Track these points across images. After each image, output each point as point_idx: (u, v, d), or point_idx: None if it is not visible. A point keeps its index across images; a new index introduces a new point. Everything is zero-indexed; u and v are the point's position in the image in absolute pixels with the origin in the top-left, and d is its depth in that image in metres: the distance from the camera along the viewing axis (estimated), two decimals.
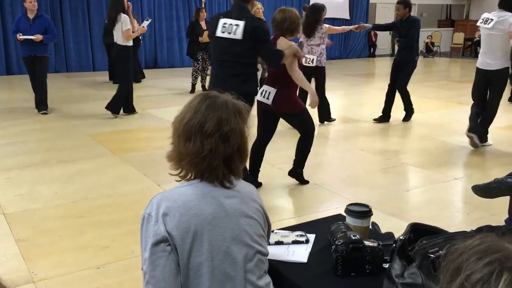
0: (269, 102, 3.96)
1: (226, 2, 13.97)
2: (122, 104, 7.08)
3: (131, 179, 4.48)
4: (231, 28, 3.61)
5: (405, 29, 6.67)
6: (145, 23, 7.76)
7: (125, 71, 6.93)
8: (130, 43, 6.87)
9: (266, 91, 3.99)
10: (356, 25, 7.00)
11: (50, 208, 3.78)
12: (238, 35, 3.57)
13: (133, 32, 6.84)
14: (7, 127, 6.36)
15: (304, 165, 4.33)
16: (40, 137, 5.95)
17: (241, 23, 3.57)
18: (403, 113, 7.07)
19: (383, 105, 6.99)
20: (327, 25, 6.48)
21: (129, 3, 6.95)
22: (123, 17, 6.72)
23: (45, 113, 7.10)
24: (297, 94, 4.24)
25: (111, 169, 4.76)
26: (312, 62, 6.34)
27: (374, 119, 7.01)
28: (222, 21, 3.67)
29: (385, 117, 6.99)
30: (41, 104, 7.15)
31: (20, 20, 6.93)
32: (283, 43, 3.84)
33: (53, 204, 3.85)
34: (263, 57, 3.83)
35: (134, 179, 4.47)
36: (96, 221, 3.56)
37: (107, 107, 6.99)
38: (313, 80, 6.37)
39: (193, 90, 9.22)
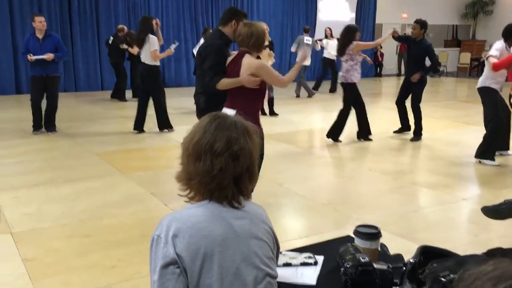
0: None
1: None
2: (167, 118, 7.33)
3: (138, 198, 4.49)
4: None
5: (417, 49, 6.81)
6: (173, 46, 7.89)
7: (157, 89, 7.17)
8: (158, 63, 7.12)
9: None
10: (391, 32, 7.05)
11: (57, 227, 3.78)
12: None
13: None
14: (16, 146, 6.40)
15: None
16: (48, 156, 5.98)
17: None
18: (410, 133, 7.08)
19: (390, 123, 7.11)
20: (354, 42, 6.57)
21: (157, 19, 7.18)
22: (151, 38, 7.01)
23: (55, 132, 7.14)
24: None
25: (118, 188, 4.77)
26: (340, 79, 6.69)
27: (394, 131, 7.28)
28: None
29: (404, 127, 7.22)
30: (51, 125, 7.15)
31: (29, 40, 6.84)
32: (247, 63, 3.48)
33: (60, 223, 3.86)
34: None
35: (141, 198, 4.47)
36: (102, 241, 3.55)
37: (160, 127, 7.31)
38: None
39: None
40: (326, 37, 12.62)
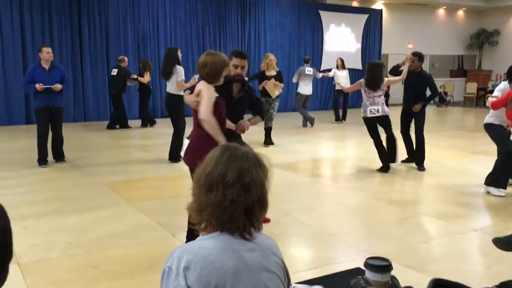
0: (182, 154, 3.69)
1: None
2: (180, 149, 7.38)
3: (146, 228, 4.47)
4: None
5: (417, 81, 6.97)
6: (196, 76, 8.08)
7: (180, 119, 7.29)
8: (182, 93, 7.23)
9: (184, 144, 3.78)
10: (408, 59, 7.07)
11: (64, 258, 3.77)
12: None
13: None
14: (25, 176, 6.44)
15: None
16: (56, 186, 6.01)
17: None
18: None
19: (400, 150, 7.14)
20: (386, 78, 6.96)
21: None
22: (179, 68, 7.23)
23: (64, 162, 7.17)
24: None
25: (125, 218, 4.76)
26: (378, 112, 6.81)
27: (402, 161, 7.27)
28: None
29: (411, 157, 7.28)
30: (60, 155, 7.18)
31: (34, 70, 6.77)
32: (199, 88, 3.52)
33: (67, 254, 3.84)
34: None
35: (149, 229, 4.46)
36: (110, 271, 3.53)
37: (171, 159, 7.34)
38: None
39: None
40: (337, 67, 12.67)
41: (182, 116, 7.35)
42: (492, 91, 17.11)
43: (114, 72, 10.98)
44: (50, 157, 7.11)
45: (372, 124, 6.91)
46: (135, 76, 10.87)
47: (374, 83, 6.72)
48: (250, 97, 4.21)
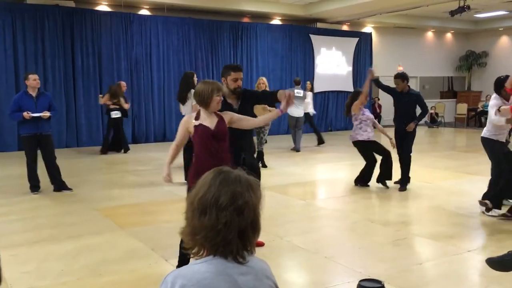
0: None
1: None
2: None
3: (138, 254, 4.43)
4: None
5: (406, 100, 7.02)
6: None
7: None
8: None
9: None
10: (368, 76, 7.25)
11: (56, 286, 3.72)
12: None
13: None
14: (17, 203, 6.39)
15: None
16: (49, 213, 5.96)
17: None
18: (415, 182, 7.12)
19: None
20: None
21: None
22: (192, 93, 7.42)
23: (71, 190, 7.00)
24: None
25: (118, 244, 4.72)
26: (350, 137, 7.42)
27: (395, 182, 7.28)
28: None
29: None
30: (62, 184, 6.99)
31: (21, 98, 6.62)
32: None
33: (59, 281, 3.79)
34: None
35: (141, 254, 4.42)
36: None
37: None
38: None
39: None
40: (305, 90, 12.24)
41: None
42: (482, 112, 17.38)
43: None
44: (43, 184, 7.05)
45: (364, 148, 7.41)
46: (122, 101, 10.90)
47: (347, 108, 7.41)
48: (251, 97, 4.54)
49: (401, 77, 6.99)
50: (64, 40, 12.06)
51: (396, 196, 6.80)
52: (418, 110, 7.09)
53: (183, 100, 7.49)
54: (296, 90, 11.11)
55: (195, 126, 3.74)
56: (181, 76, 7.99)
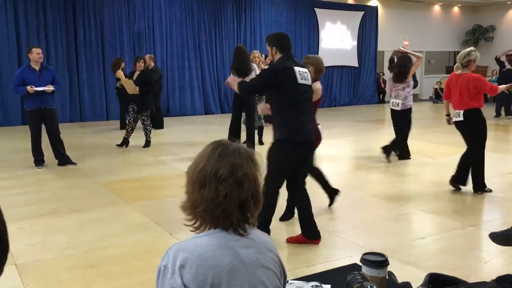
0: None
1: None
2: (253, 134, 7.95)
3: (143, 227, 4.47)
4: (305, 75, 3.89)
5: None
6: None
7: (252, 109, 7.63)
8: None
9: None
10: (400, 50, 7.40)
11: (61, 258, 3.76)
12: (310, 81, 3.93)
13: None
14: (22, 177, 6.42)
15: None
16: (53, 186, 5.99)
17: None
18: (418, 158, 7.11)
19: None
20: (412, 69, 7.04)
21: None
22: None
23: (75, 165, 7.02)
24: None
25: (122, 218, 4.76)
26: (398, 106, 6.99)
27: (397, 156, 7.45)
28: (296, 69, 3.83)
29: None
30: (67, 158, 6.99)
31: (24, 72, 6.59)
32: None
33: (64, 254, 3.83)
34: None
35: (146, 228, 4.45)
36: (106, 272, 3.52)
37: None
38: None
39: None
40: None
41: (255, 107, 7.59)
42: None
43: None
44: (47, 158, 7.07)
45: (393, 116, 7.22)
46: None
47: (398, 75, 6.96)
48: None
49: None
50: (66, 12, 11.93)
51: (399, 172, 6.79)
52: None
53: (246, 73, 7.19)
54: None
55: None
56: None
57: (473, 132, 5.48)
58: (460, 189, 5.63)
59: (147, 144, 8.53)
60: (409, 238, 4.21)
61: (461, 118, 5.43)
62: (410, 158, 7.35)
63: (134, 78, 8.48)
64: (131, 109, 8.57)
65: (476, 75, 5.41)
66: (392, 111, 7.18)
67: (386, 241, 4.10)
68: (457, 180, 5.60)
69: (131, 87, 8.28)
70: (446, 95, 5.78)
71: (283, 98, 3.81)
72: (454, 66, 5.70)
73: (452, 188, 5.66)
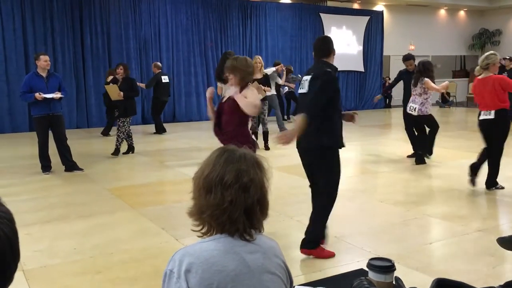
0: None
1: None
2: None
3: (149, 233, 4.47)
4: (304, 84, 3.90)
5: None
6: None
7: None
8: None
9: None
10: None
11: (68, 264, 3.77)
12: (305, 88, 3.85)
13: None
14: (29, 183, 6.46)
15: None
16: (60, 192, 6.02)
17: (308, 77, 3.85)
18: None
19: (400, 155, 7.38)
20: (426, 78, 7.00)
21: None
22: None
23: (82, 170, 7.04)
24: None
25: (129, 224, 4.77)
26: (414, 111, 7.05)
27: (408, 156, 7.74)
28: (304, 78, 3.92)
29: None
30: (74, 164, 7.02)
31: (32, 79, 6.64)
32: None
33: (71, 260, 3.85)
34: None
35: (152, 234, 4.46)
36: (114, 278, 3.52)
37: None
38: None
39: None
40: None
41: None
42: None
43: (166, 79, 11.03)
44: (54, 164, 7.11)
45: (408, 120, 7.37)
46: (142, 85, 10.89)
47: (416, 78, 7.04)
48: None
49: (413, 57, 7.61)
50: (73, 20, 12.06)
51: (406, 176, 6.77)
52: None
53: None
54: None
55: None
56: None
57: (500, 130, 5.71)
58: (475, 183, 5.82)
59: (116, 152, 8.22)
60: (416, 243, 4.19)
61: (492, 116, 5.65)
62: (426, 162, 7.41)
63: (119, 84, 8.41)
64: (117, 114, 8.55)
65: (500, 76, 5.74)
66: (408, 114, 7.28)
67: (393, 246, 4.08)
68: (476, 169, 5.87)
69: (115, 94, 8.21)
70: (476, 99, 6.02)
71: (336, 104, 3.85)
72: (475, 70, 5.89)
73: (469, 178, 5.85)
